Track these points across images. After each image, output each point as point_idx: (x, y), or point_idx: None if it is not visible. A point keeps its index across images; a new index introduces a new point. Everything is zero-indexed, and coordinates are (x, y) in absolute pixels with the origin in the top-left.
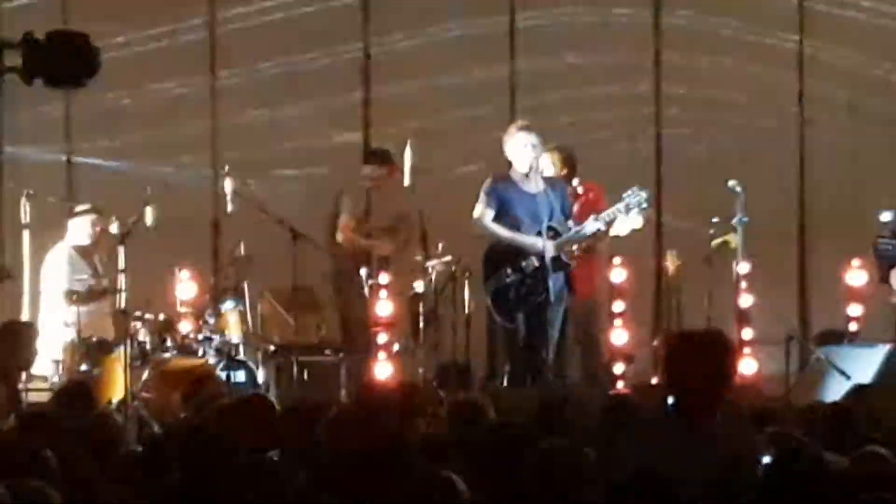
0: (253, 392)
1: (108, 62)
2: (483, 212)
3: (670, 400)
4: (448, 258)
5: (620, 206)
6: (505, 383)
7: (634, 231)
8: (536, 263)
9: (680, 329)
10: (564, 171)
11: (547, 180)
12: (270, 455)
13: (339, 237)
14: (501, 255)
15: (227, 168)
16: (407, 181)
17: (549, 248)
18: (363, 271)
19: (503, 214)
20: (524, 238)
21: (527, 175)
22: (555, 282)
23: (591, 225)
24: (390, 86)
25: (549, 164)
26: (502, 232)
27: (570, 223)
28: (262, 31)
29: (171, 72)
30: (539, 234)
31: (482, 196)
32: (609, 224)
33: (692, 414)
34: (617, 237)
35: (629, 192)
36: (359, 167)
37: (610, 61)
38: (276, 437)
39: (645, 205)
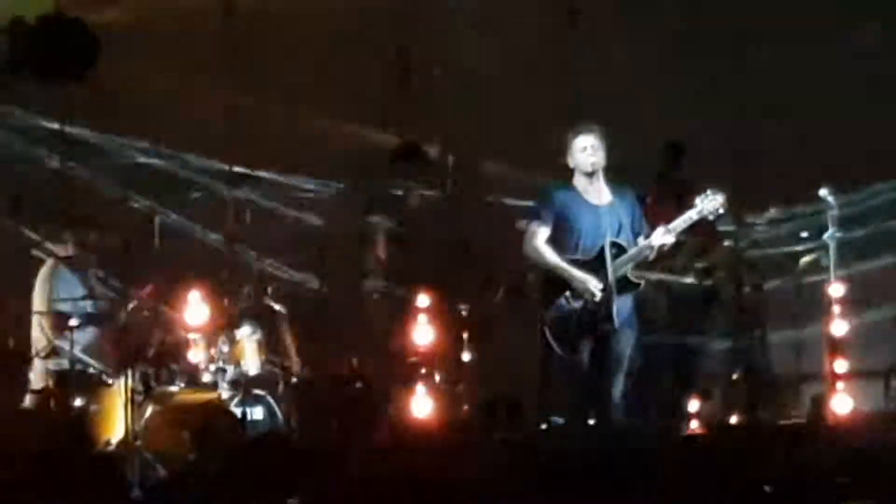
0: (271, 431)
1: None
2: (534, 230)
3: None
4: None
5: (693, 212)
6: (563, 421)
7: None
8: (600, 286)
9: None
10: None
11: (616, 190)
12: (290, 503)
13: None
14: (561, 278)
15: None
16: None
17: (600, 280)
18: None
19: (561, 229)
20: (573, 272)
21: (590, 183)
22: (621, 306)
23: (658, 238)
24: None
25: None
26: (551, 259)
27: (641, 240)
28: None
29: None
30: (601, 251)
31: (535, 210)
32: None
33: None
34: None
35: (703, 195)
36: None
37: None
38: (296, 482)
39: (721, 211)
